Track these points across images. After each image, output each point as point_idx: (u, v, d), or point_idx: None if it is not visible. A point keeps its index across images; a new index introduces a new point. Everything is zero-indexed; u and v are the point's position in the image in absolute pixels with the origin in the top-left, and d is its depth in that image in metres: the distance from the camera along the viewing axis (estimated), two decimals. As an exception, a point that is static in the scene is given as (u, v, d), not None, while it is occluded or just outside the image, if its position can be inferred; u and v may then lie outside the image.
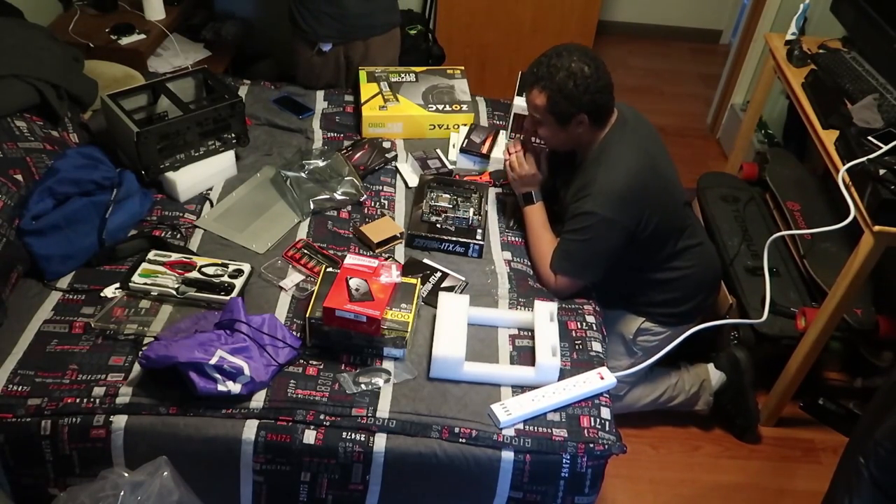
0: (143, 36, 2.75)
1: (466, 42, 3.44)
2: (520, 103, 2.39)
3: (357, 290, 1.68)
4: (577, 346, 1.78)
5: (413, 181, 2.22)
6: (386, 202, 2.16)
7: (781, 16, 3.26)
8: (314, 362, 1.67)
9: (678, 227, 2.01)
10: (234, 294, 1.77)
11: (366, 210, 2.12)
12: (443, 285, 1.89)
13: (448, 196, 2.12)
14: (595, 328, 1.84)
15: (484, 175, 2.27)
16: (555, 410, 1.62)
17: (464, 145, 2.29)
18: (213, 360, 1.53)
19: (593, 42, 3.46)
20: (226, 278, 1.81)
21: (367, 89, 2.46)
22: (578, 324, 1.84)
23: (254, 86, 2.61)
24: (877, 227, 1.88)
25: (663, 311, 2.08)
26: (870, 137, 2.03)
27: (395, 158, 2.32)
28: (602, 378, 1.68)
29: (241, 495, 1.59)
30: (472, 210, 2.08)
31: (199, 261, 1.85)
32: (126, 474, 1.47)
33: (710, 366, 2.37)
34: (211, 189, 2.15)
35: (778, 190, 2.66)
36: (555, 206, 2.07)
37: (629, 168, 1.85)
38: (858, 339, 2.34)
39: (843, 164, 2.02)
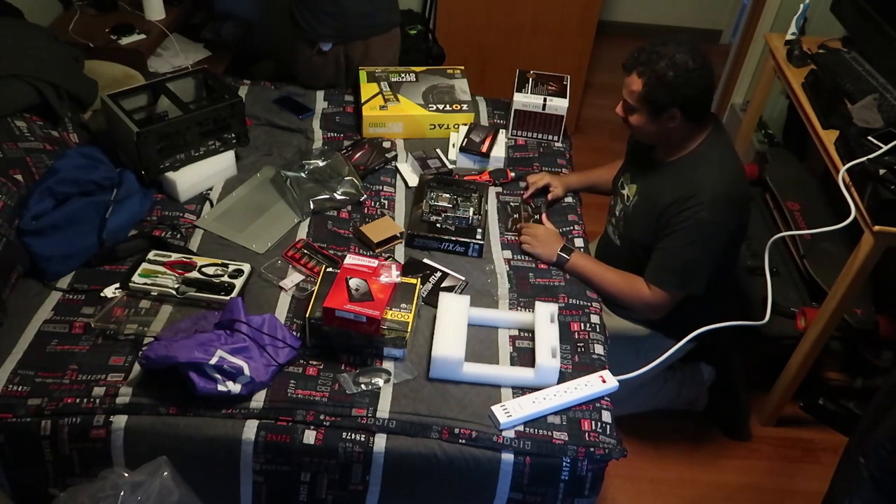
0: (143, 36, 2.75)
1: (466, 42, 3.44)
2: (520, 100, 2.39)
3: (357, 290, 1.68)
4: (579, 349, 1.77)
5: (413, 181, 2.22)
6: (386, 202, 2.16)
7: (781, 16, 3.26)
8: (314, 362, 1.67)
9: (741, 243, 2.02)
10: (234, 294, 1.77)
11: (366, 210, 2.12)
12: (443, 285, 1.89)
13: (448, 196, 2.12)
14: (599, 330, 1.83)
15: (484, 174, 2.27)
16: (555, 413, 1.62)
17: (463, 144, 2.29)
18: (213, 360, 1.53)
19: (593, 42, 3.46)
20: (226, 278, 1.81)
21: (367, 89, 2.46)
22: (582, 325, 1.83)
23: (254, 86, 2.61)
24: (877, 227, 1.88)
25: (683, 324, 1.98)
26: (870, 137, 2.02)
27: (395, 158, 2.32)
28: (604, 381, 1.67)
29: (241, 495, 1.59)
30: (471, 209, 2.08)
31: (199, 261, 1.85)
32: (126, 474, 1.47)
33: (702, 363, 2.37)
34: (211, 189, 2.15)
35: (778, 190, 2.66)
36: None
37: (734, 171, 1.84)
38: (858, 339, 2.34)
39: (843, 164, 2.01)
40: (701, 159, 1.85)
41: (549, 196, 2.18)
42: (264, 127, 2.41)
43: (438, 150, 2.33)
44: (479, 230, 2.02)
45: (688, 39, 1.78)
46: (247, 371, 1.56)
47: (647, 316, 1.96)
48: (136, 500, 1.43)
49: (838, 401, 2.42)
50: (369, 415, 1.57)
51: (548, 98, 2.38)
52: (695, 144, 1.86)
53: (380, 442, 1.54)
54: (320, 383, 1.63)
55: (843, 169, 2.01)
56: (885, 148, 1.98)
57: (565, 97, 2.40)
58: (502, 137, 2.36)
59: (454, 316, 1.72)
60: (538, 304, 1.79)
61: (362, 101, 2.41)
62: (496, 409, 1.59)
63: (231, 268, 1.84)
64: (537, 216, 2.14)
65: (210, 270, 1.83)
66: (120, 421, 1.53)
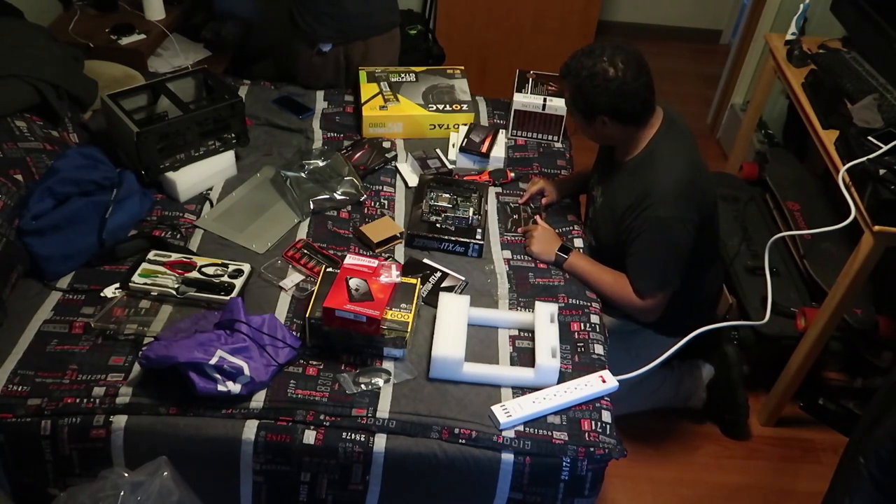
0: (143, 36, 2.75)
1: (466, 42, 3.44)
2: (520, 100, 2.39)
3: (357, 290, 1.68)
4: (578, 349, 1.77)
5: (413, 181, 2.22)
6: (386, 202, 2.16)
7: (781, 16, 3.26)
8: (314, 362, 1.67)
9: (715, 232, 2.02)
10: (234, 294, 1.77)
11: (366, 210, 2.12)
12: (443, 285, 1.89)
13: (448, 196, 2.12)
14: (598, 330, 1.83)
15: (483, 174, 2.27)
16: (555, 413, 1.62)
17: (463, 145, 2.29)
18: (213, 360, 1.53)
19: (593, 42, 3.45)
20: (226, 278, 1.81)
21: (367, 89, 2.46)
22: (582, 325, 1.83)
23: (254, 86, 2.61)
24: (877, 227, 1.88)
25: (674, 321, 2.01)
26: (870, 137, 2.02)
27: (394, 158, 2.32)
28: (604, 381, 1.67)
29: (241, 495, 1.59)
30: (471, 210, 2.08)
31: (199, 261, 1.85)
32: (126, 474, 1.47)
33: (701, 360, 2.38)
34: (211, 189, 2.15)
35: (778, 190, 2.66)
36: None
37: (684, 164, 1.85)
38: (858, 339, 2.34)
39: (843, 164, 2.01)
40: (651, 157, 1.86)
41: (544, 201, 2.19)
42: (264, 127, 2.41)
43: (438, 150, 2.33)
44: (479, 230, 2.02)
45: (617, 45, 1.80)
46: (247, 371, 1.56)
47: (641, 319, 1.97)
48: (136, 500, 1.43)
49: (838, 401, 2.42)
50: (369, 415, 1.57)
51: (548, 98, 2.39)
52: (645, 142, 1.88)
53: (380, 442, 1.54)
54: (320, 383, 1.63)
55: (843, 169, 2.01)
56: (885, 148, 1.98)
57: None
58: (502, 137, 2.36)
59: (454, 316, 1.72)
60: (538, 304, 1.79)
61: (362, 101, 2.41)
62: (496, 409, 1.59)
63: (231, 268, 1.84)
64: (536, 217, 2.14)
65: (210, 270, 1.83)
66: (120, 421, 1.53)
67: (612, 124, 1.83)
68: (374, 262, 1.77)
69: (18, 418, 1.52)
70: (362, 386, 1.62)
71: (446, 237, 1.99)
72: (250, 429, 1.54)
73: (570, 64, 1.82)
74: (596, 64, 1.76)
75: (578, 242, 2.07)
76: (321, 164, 2.16)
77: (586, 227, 2.15)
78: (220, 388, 1.53)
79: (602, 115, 1.82)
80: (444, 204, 2.09)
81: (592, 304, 1.90)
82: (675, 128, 1.90)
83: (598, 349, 1.78)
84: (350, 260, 1.78)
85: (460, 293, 1.86)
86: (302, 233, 2.03)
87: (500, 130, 2.37)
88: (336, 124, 2.46)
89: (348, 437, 1.54)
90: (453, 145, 2.34)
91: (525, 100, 2.39)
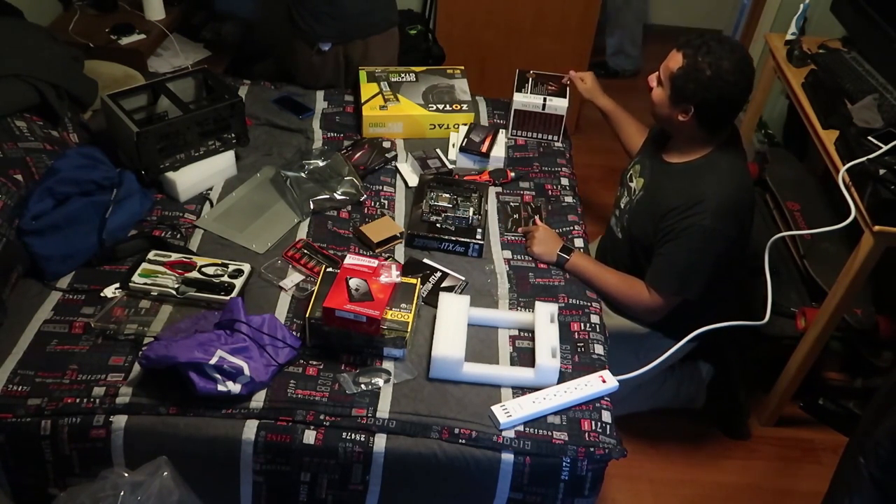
0: (143, 36, 2.75)
1: (466, 42, 3.43)
2: (520, 100, 2.39)
3: (357, 290, 1.68)
4: (579, 349, 1.77)
5: (413, 181, 2.22)
6: (386, 202, 2.16)
7: (781, 16, 3.26)
8: (314, 362, 1.67)
9: (744, 249, 2.03)
10: (234, 294, 1.77)
11: (366, 210, 2.12)
12: (443, 285, 1.89)
13: (448, 196, 2.12)
14: (599, 330, 1.83)
15: (484, 174, 2.27)
16: (555, 413, 1.62)
17: (463, 144, 2.29)
18: (213, 360, 1.53)
19: (593, 42, 3.45)
20: (226, 278, 1.81)
21: (367, 89, 2.46)
22: (582, 325, 1.83)
23: (254, 86, 2.61)
24: (877, 227, 1.88)
25: (683, 325, 1.99)
26: (870, 137, 2.02)
27: (394, 158, 2.32)
28: (604, 381, 1.67)
29: (241, 495, 1.59)
30: (471, 209, 2.08)
31: (199, 261, 1.85)
32: (126, 474, 1.47)
33: (701, 360, 2.38)
34: (211, 189, 2.15)
35: (778, 190, 2.66)
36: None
37: (741, 181, 1.85)
38: (858, 339, 2.34)
39: (843, 164, 2.01)
40: (710, 166, 1.86)
41: (571, 84, 2.24)
42: (264, 127, 2.41)
43: (438, 150, 2.33)
44: (479, 230, 2.02)
45: (745, 54, 1.79)
46: (247, 371, 1.56)
47: (644, 318, 1.96)
48: (136, 500, 1.43)
49: (838, 401, 2.42)
50: (369, 415, 1.57)
51: (548, 98, 2.39)
52: (706, 151, 1.87)
53: (380, 442, 1.54)
54: (320, 383, 1.63)
55: (843, 169, 2.01)
56: (885, 148, 1.98)
57: (565, 97, 2.40)
58: (502, 137, 2.36)
59: (454, 316, 1.72)
60: (538, 304, 1.79)
61: (362, 101, 2.41)
62: (496, 409, 1.59)
63: (231, 268, 1.84)
64: (536, 216, 2.14)
65: (210, 270, 1.83)
66: (120, 421, 1.53)
67: (691, 118, 1.82)
68: (374, 262, 1.77)
69: (18, 418, 1.52)
70: (362, 386, 1.62)
71: (446, 237, 1.99)
72: (250, 429, 1.54)
73: (696, 41, 1.78)
74: (723, 57, 1.74)
75: (579, 242, 2.07)
76: (321, 164, 2.16)
77: (615, 217, 2.13)
78: (220, 388, 1.53)
79: (690, 104, 1.79)
80: (445, 204, 2.09)
81: (593, 304, 1.90)
82: (738, 145, 1.91)
83: (598, 349, 1.78)
84: (350, 260, 1.78)
85: (460, 293, 1.86)
86: (302, 233, 2.03)
87: (500, 130, 2.37)
88: (336, 124, 2.46)
89: (348, 437, 1.54)
90: (453, 145, 2.34)
91: (525, 99, 2.39)
